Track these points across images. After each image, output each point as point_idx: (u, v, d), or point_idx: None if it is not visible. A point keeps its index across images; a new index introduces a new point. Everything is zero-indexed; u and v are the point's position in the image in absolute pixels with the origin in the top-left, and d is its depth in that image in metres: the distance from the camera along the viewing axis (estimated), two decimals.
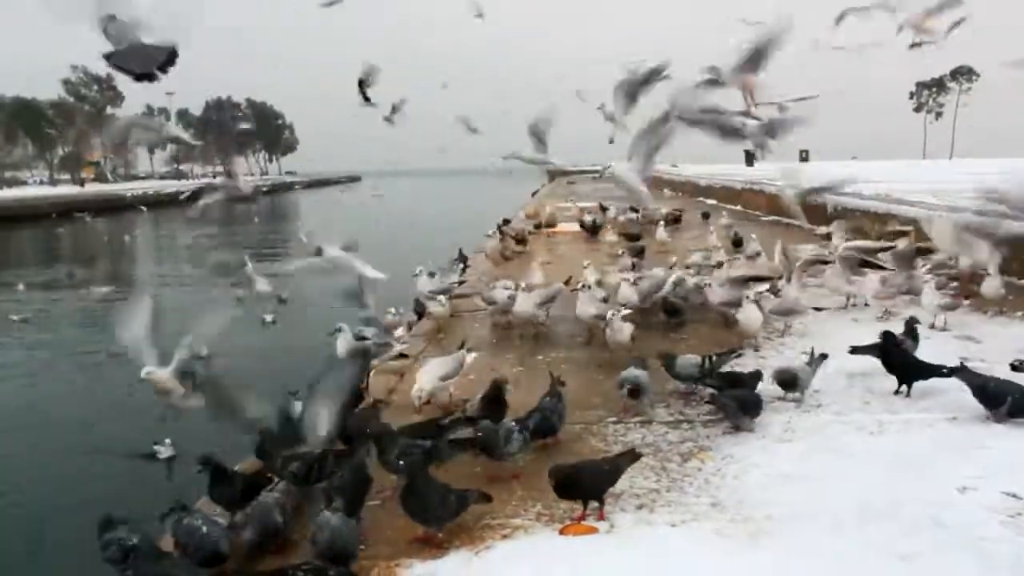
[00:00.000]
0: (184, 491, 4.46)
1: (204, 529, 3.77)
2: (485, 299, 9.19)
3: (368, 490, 4.20)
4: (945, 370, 5.88)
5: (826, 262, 9.47)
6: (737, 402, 5.46)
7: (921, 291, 8.30)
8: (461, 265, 13.86)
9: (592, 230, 18.33)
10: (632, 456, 4.54)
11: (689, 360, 6.12)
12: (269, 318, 16.49)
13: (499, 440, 4.65)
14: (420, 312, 10.25)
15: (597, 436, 5.48)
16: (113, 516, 3.80)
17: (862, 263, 8.78)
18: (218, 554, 3.75)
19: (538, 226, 20.81)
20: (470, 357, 6.51)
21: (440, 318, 9.19)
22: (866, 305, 9.18)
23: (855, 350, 6.45)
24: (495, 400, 5.36)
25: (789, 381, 5.91)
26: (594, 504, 4.21)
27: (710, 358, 6.11)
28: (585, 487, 4.19)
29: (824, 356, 6.16)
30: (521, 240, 16.52)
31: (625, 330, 7.17)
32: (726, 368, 6.23)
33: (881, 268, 8.80)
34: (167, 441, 10.05)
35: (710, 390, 5.85)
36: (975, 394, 5.43)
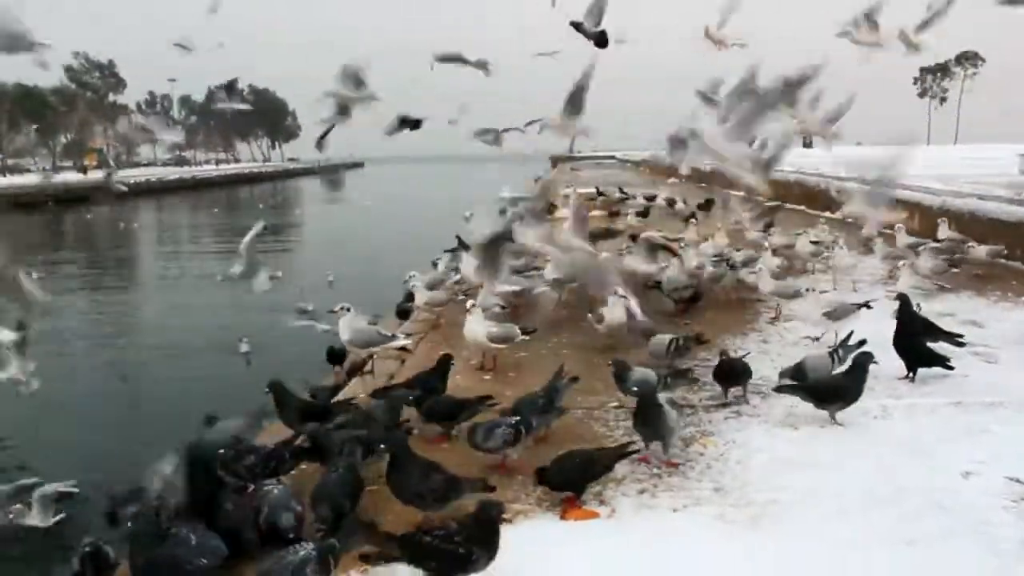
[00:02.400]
0: None
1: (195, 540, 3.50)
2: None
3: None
4: (949, 362, 5.97)
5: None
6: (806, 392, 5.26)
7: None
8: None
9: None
10: (622, 452, 4.44)
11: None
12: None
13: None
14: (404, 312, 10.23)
15: (599, 421, 5.46)
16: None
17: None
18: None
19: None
20: None
21: (431, 306, 8.60)
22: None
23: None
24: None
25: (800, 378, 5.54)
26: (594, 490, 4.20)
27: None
28: (559, 482, 4.16)
29: (862, 343, 5.74)
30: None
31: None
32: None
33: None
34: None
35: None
36: None
